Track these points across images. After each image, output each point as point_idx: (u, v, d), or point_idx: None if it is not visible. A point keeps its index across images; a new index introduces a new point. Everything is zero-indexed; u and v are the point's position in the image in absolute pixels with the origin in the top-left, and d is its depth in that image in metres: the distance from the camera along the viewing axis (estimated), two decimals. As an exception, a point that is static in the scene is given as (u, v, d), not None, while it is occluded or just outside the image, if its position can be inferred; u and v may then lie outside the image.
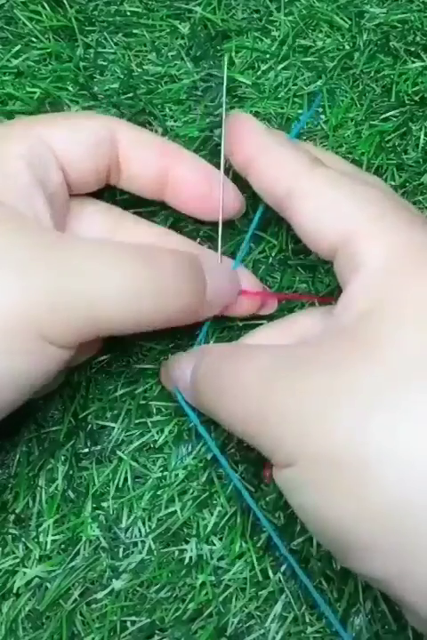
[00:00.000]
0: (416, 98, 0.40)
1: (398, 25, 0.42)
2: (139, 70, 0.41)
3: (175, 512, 0.34)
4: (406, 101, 0.40)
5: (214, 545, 0.34)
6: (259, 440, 0.27)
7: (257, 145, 0.32)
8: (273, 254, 0.37)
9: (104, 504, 0.34)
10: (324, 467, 0.25)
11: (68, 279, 0.27)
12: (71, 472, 0.35)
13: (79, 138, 0.32)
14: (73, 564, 0.33)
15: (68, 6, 0.42)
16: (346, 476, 0.24)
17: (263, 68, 0.41)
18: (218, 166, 0.34)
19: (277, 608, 0.33)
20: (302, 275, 0.37)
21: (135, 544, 0.34)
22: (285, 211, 0.31)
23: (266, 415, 0.27)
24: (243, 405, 0.28)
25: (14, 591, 0.33)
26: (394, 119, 0.40)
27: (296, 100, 0.40)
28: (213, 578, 0.33)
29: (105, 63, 0.42)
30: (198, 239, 0.37)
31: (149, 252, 0.30)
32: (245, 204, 0.36)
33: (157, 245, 0.32)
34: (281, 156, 0.31)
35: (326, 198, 0.29)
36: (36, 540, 0.34)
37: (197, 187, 0.34)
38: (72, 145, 0.32)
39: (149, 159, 0.34)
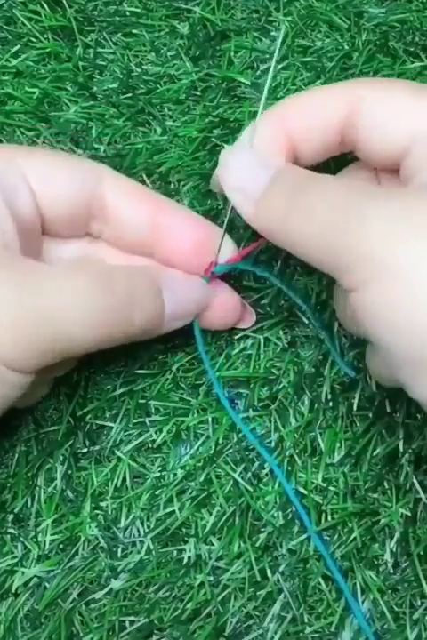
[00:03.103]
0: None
1: (397, 25, 0.42)
2: (138, 70, 0.41)
3: (174, 512, 0.34)
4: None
5: (213, 545, 0.34)
6: (334, 263, 0.27)
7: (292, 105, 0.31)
8: (273, 254, 0.37)
9: (103, 504, 0.34)
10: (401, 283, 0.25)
11: (29, 303, 0.27)
12: (70, 472, 0.35)
13: (62, 177, 0.32)
14: (71, 563, 0.33)
15: (67, 6, 0.42)
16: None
17: (262, 67, 0.41)
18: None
19: (276, 608, 0.33)
20: (302, 275, 0.37)
21: (134, 544, 0.34)
22: (345, 137, 0.31)
23: (347, 237, 0.26)
24: (322, 230, 0.27)
25: (13, 591, 0.33)
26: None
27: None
28: (211, 578, 0.33)
29: (104, 63, 0.42)
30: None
31: (105, 273, 0.30)
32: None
33: (117, 266, 0.32)
34: (324, 91, 0.31)
35: (391, 98, 0.29)
36: (34, 539, 0.34)
37: (194, 240, 0.33)
38: (53, 183, 0.31)
39: (139, 210, 0.33)
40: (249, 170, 0.30)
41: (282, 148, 0.31)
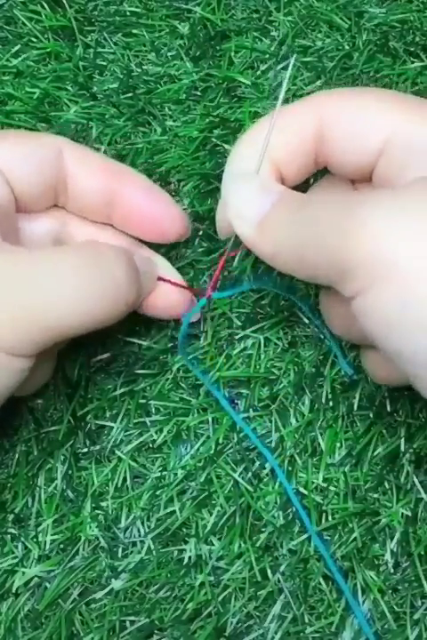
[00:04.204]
0: (416, 98, 0.40)
1: (398, 25, 0.42)
2: (138, 70, 0.41)
3: (174, 512, 0.34)
4: (406, 101, 0.40)
5: (213, 545, 0.34)
6: (336, 274, 0.27)
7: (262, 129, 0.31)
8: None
9: (103, 504, 0.34)
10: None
11: (23, 291, 0.28)
12: (70, 472, 0.35)
13: (24, 152, 0.32)
14: (72, 563, 0.33)
15: (67, 6, 0.42)
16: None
17: (263, 68, 0.41)
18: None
19: (276, 608, 0.33)
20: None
21: (134, 544, 0.34)
22: (318, 153, 0.31)
23: (344, 243, 0.26)
24: (320, 242, 0.27)
25: (13, 591, 0.33)
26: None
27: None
28: (211, 578, 0.33)
29: (104, 63, 0.42)
30: (198, 239, 0.38)
31: (94, 250, 0.30)
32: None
33: (98, 242, 0.32)
34: (295, 110, 0.31)
35: (356, 107, 0.30)
36: (35, 539, 0.34)
37: (147, 209, 0.34)
38: (17, 160, 0.32)
39: (95, 178, 0.33)
40: (250, 195, 0.30)
41: (273, 174, 0.32)
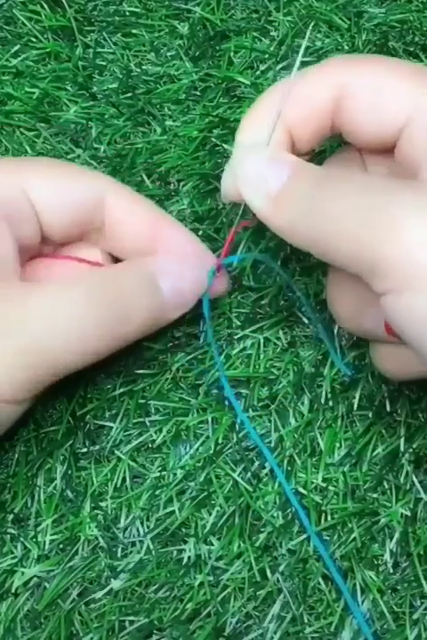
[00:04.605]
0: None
1: (397, 25, 0.42)
2: (138, 70, 0.41)
3: (174, 512, 0.34)
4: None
5: (213, 545, 0.34)
6: (363, 266, 0.25)
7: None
8: (272, 255, 0.37)
9: (102, 504, 0.34)
10: None
11: (20, 340, 0.27)
12: (70, 472, 0.35)
13: (64, 197, 0.31)
14: (71, 563, 0.33)
15: (67, 6, 0.42)
16: None
17: (262, 68, 0.41)
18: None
19: (276, 608, 0.33)
20: (302, 275, 0.37)
21: (134, 544, 0.34)
22: (334, 121, 0.30)
23: (377, 239, 0.25)
24: (347, 229, 0.25)
25: (13, 591, 0.33)
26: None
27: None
28: (211, 578, 0.33)
29: (104, 63, 0.42)
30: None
31: (95, 283, 0.30)
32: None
33: (106, 269, 0.31)
34: (312, 77, 0.30)
35: (378, 76, 0.29)
36: (34, 539, 0.34)
37: (190, 243, 0.33)
38: (52, 195, 0.31)
39: (142, 226, 0.33)
40: (265, 167, 0.29)
41: (284, 139, 0.30)
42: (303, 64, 0.41)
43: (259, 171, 0.29)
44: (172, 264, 0.32)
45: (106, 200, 0.32)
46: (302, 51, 0.29)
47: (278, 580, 0.33)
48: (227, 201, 0.33)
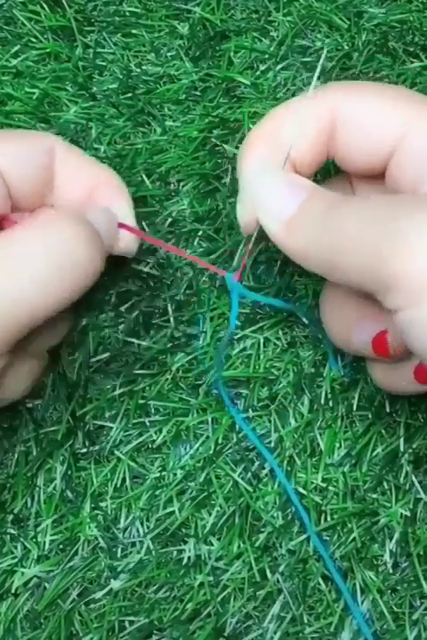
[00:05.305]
0: (415, 98, 0.40)
1: (397, 25, 0.42)
2: (138, 70, 0.41)
3: (173, 512, 0.34)
4: (405, 102, 0.40)
5: (212, 545, 0.34)
6: (375, 284, 0.26)
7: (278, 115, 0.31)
8: (272, 254, 0.37)
9: (102, 504, 0.34)
10: None
11: None
12: (69, 472, 0.35)
13: (26, 156, 0.32)
14: (71, 563, 0.33)
15: (66, 6, 0.42)
16: None
17: (262, 68, 0.41)
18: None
19: (275, 608, 0.33)
20: (301, 275, 0.37)
21: (133, 544, 0.34)
22: (330, 141, 0.31)
23: (388, 254, 0.25)
24: (359, 248, 0.26)
25: (12, 591, 0.33)
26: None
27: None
28: (211, 578, 0.33)
29: (104, 63, 0.42)
30: (197, 239, 0.38)
31: (50, 229, 0.29)
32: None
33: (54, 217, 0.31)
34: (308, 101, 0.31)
35: (371, 103, 0.29)
36: (34, 539, 0.34)
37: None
38: (15, 161, 0.31)
39: (80, 182, 0.33)
40: (280, 191, 0.29)
41: (288, 164, 0.31)
42: (303, 64, 0.41)
43: (279, 194, 0.29)
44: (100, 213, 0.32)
45: (56, 154, 0.33)
46: (314, 81, 0.30)
47: (278, 581, 0.33)
48: (246, 234, 0.32)
